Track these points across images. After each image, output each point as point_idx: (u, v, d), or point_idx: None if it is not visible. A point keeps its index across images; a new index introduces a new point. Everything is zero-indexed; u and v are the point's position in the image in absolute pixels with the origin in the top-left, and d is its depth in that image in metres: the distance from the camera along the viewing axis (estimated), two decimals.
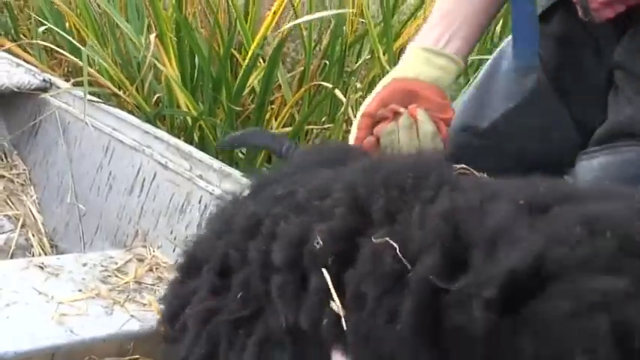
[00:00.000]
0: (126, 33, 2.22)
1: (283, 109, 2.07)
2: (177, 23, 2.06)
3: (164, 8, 2.42)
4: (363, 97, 2.29)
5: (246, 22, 2.37)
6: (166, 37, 2.08)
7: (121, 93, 2.08)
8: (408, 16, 2.60)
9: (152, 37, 2.03)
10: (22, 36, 2.91)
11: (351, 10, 2.41)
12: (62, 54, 2.12)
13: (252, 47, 2.02)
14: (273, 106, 2.12)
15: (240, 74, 2.05)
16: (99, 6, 2.38)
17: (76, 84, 2.07)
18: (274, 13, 1.96)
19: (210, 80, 2.05)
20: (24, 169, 2.13)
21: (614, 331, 0.37)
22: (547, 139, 1.17)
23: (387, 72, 2.41)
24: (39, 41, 2.24)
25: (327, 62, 2.49)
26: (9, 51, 2.37)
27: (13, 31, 2.86)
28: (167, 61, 2.10)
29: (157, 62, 2.01)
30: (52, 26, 2.26)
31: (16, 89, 2.12)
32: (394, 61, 2.46)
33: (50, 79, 2.14)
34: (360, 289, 0.51)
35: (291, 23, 2.27)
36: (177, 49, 2.06)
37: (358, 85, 2.27)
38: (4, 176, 2.08)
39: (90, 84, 1.97)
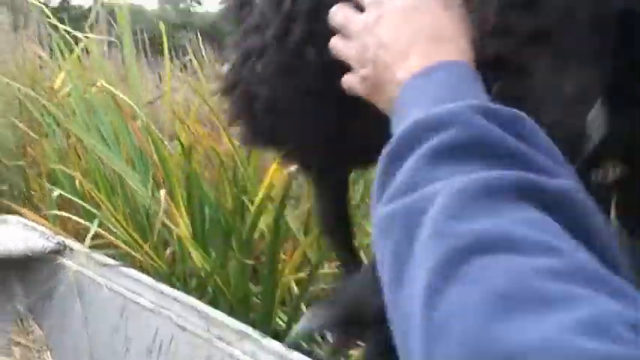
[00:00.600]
0: (135, 189, 2.29)
1: (295, 255, 2.11)
2: (188, 178, 2.13)
3: (169, 154, 2.51)
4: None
5: (249, 164, 2.45)
6: (176, 191, 2.15)
7: (133, 252, 2.12)
8: None
9: (162, 193, 2.10)
10: (32, 192, 3.00)
11: None
12: (76, 220, 2.18)
13: (259, 197, 2.08)
14: (284, 256, 2.16)
15: (249, 222, 2.11)
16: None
17: (90, 246, 2.12)
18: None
19: (220, 231, 2.11)
20: (40, 334, 2.13)
21: None
22: None
23: None
24: (55, 212, 2.31)
25: None
26: (22, 214, 2.44)
27: (24, 190, 2.95)
28: (176, 212, 2.16)
29: (168, 222, 2.06)
30: (65, 193, 2.34)
31: (31, 254, 2.17)
32: None
33: (64, 242, 2.19)
34: None
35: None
36: (187, 202, 2.12)
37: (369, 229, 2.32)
38: (20, 343, 2.09)
39: (104, 245, 2.01)
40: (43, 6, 4.03)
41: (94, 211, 2.18)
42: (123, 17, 2.88)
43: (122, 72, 4.21)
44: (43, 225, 2.36)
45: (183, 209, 2.13)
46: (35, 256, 2.19)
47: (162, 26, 3.18)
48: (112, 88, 2.52)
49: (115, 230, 2.17)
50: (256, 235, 2.27)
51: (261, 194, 2.07)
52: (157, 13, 22.06)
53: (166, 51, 2.79)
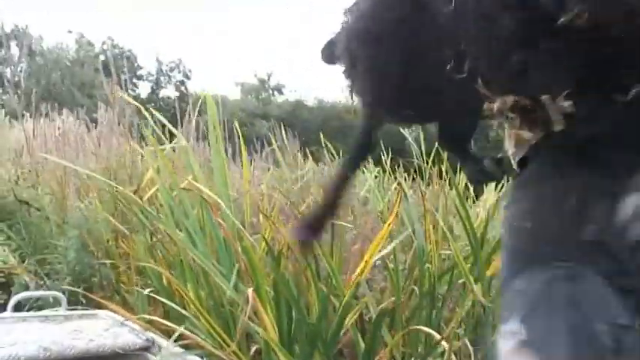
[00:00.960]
0: (221, 287, 2.31)
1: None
2: (275, 281, 2.14)
3: (255, 251, 2.53)
4: (465, 346, 2.28)
5: (332, 257, 2.44)
6: (263, 292, 2.15)
7: (217, 351, 2.11)
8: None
9: (250, 292, 2.10)
10: (121, 284, 3.07)
11: (431, 246, 2.45)
12: (166, 324, 2.21)
13: (345, 299, 2.05)
14: None
15: (335, 323, 2.07)
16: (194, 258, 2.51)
17: (177, 343, 2.13)
18: (365, 262, 2.02)
19: (307, 332, 2.08)
20: None
21: None
22: None
23: (481, 303, 2.43)
24: (145, 316, 2.34)
25: (417, 290, 2.50)
26: (111, 309, 2.50)
27: (114, 282, 3.03)
28: (262, 309, 2.15)
29: (256, 327, 2.05)
30: (153, 294, 2.39)
31: (120, 350, 2.19)
32: (487, 289, 2.45)
33: (153, 339, 2.21)
34: None
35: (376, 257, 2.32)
36: (274, 305, 2.11)
37: (460, 331, 2.25)
38: None
39: (192, 347, 2.02)
40: (134, 101, 4.23)
41: (182, 310, 2.20)
42: (213, 114, 2.95)
43: (209, 164, 4.37)
44: (131, 319, 2.39)
45: (269, 311, 2.12)
46: (124, 352, 2.22)
47: (236, 124, 3.25)
48: (199, 185, 2.59)
49: (201, 330, 2.18)
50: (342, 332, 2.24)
51: (348, 295, 2.05)
52: (238, 103, 23.00)
53: (244, 156, 2.86)
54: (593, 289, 0.90)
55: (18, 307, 2.60)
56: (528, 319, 0.91)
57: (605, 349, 0.86)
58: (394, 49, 0.96)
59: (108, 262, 3.08)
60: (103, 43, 28.51)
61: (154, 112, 3.40)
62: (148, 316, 2.28)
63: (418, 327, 2.19)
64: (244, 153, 3.00)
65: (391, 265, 2.47)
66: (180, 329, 2.02)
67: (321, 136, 5.13)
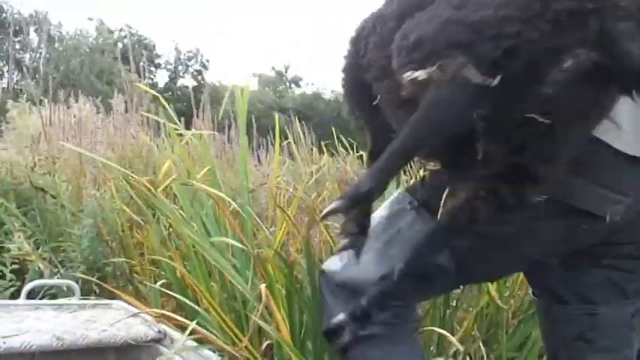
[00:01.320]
0: (236, 286, 2.30)
1: None
2: (287, 285, 2.13)
3: (268, 246, 2.52)
4: (479, 347, 2.26)
5: None
6: (275, 288, 2.14)
7: (229, 347, 2.10)
8: None
9: (263, 287, 2.09)
10: (135, 274, 3.07)
11: None
12: (178, 319, 2.20)
13: None
14: None
15: None
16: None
17: (190, 336, 2.12)
18: None
19: (319, 330, 2.06)
20: None
21: None
22: None
23: (495, 303, 2.40)
24: (157, 310, 2.33)
25: None
26: (124, 299, 2.50)
27: (127, 271, 3.03)
28: (275, 307, 2.14)
29: (266, 326, 2.04)
30: (165, 289, 2.38)
31: (132, 342, 2.19)
32: (502, 289, 2.42)
33: (165, 331, 2.21)
34: None
35: None
36: (287, 304, 2.10)
37: (475, 332, 2.22)
38: None
39: (203, 341, 2.02)
40: (147, 89, 4.18)
41: (195, 306, 2.20)
42: (242, 107, 2.86)
43: (225, 155, 4.35)
44: (143, 310, 2.39)
45: (282, 309, 2.11)
46: (135, 343, 2.21)
47: (276, 118, 3.19)
48: (205, 187, 2.57)
49: (212, 324, 2.17)
50: None
51: None
52: (255, 95, 22.99)
53: (277, 149, 2.83)
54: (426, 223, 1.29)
55: (31, 295, 2.61)
56: (378, 224, 1.38)
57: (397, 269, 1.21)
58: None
59: (122, 253, 3.08)
60: (121, 30, 28.58)
61: (171, 102, 3.37)
62: (160, 311, 2.28)
63: (432, 327, 2.16)
64: (277, 146, 2.97)
65: None
66: (192, 324, 2.00)
67: (333, 129, 5.08)
